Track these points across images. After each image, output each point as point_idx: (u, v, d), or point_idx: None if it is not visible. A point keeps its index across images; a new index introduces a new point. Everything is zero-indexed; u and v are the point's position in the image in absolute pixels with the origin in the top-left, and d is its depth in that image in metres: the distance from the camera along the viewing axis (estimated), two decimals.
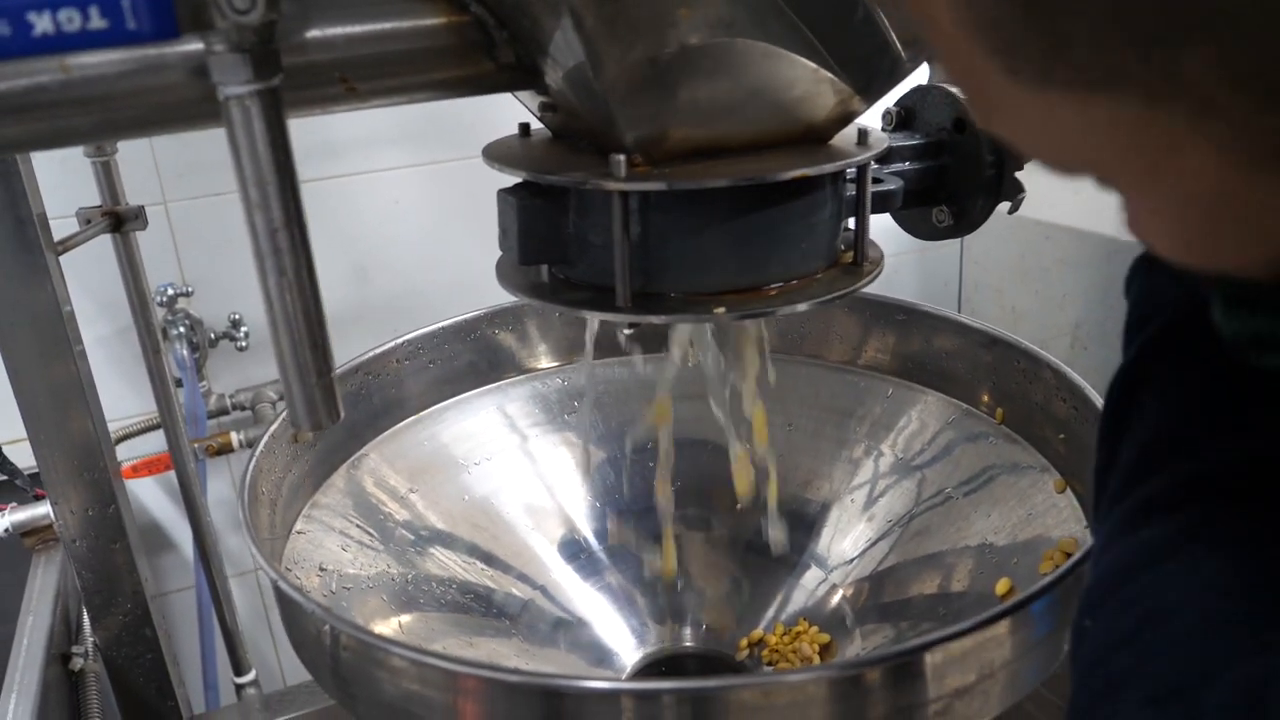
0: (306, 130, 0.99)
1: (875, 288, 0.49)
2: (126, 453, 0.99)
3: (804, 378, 0.70)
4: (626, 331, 0.44)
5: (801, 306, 0.44)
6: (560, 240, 0.46)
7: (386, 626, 0.55)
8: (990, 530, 0.58)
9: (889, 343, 0.68)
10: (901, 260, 1.24)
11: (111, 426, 0.98)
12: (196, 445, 0.94)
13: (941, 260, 1.24)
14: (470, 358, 0.69)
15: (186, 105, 0.38)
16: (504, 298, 0.69)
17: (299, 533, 0.56)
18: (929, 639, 0.37)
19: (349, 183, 1.01)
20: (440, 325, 0.68)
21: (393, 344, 0.65)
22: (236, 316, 0.98)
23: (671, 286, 0.44)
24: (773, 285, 0.45)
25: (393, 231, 1.04)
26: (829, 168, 0.43)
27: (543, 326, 0.71)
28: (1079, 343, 1.03)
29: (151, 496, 1.05)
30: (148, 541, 1.07)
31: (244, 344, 0.97)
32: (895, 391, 0.67)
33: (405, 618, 0.56)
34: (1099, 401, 0.53)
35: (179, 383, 0.95)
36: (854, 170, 0.47)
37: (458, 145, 1.02)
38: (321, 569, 0.55)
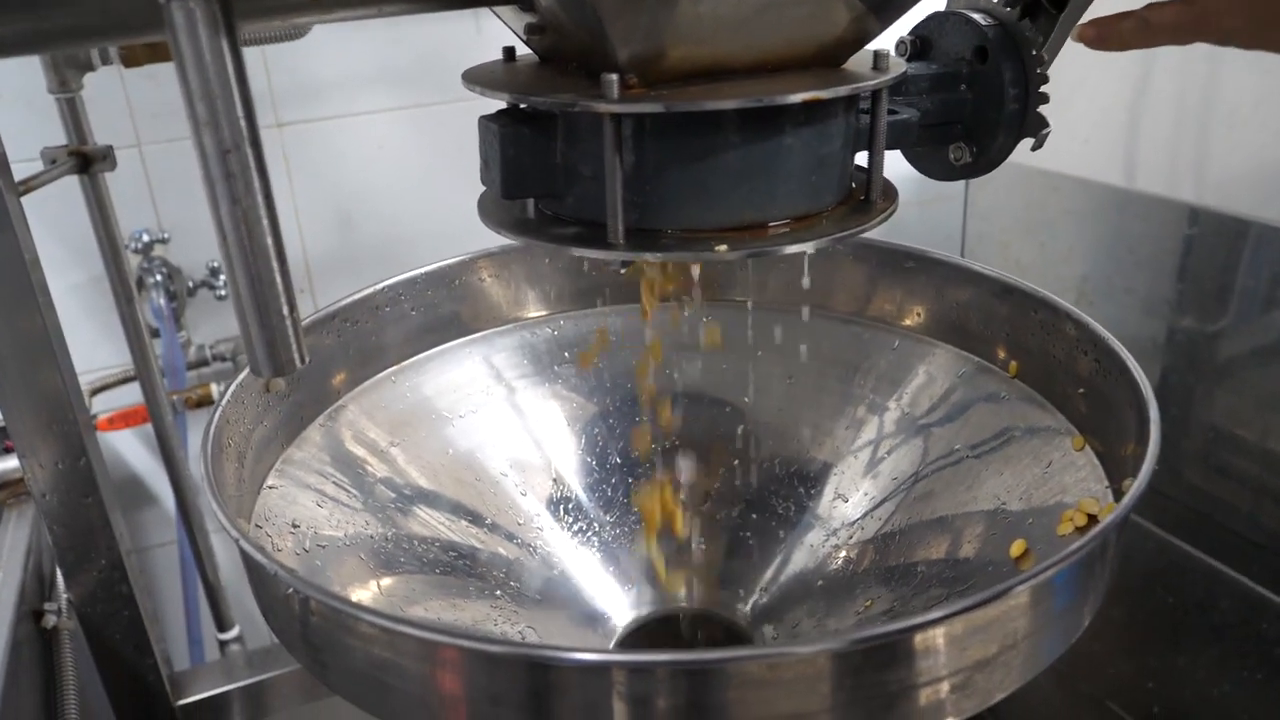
0: (285, 71, 0.94)
1: (879, 234, 0.45)
2: (104, 404, 0.95)
3: (805, 329, 0.66)
4: (621, 271, 0.40)
5: (810, 246, 0.40)
6: (547, 171, 0.41)
7: (365, 589, 0.51)
8: (1003, 490, 0.54)
9: (896, 292, 0.64)
10: (902, 213, 1.19)
11: (87, 378, 0.94)
12: (175, 397, 0.90)
13: (943, 213, 1.19)
14: (454, 305, 0.65)
15: (126, 9, 0.34)
16: (493, 242, 0.65)
17: (270, 488, 0.52)
18: (958, 606, 0.34)
19: (331, 126, 0.96)
20: (422, 270, 0.63)
21: (371, 290, 0.61)
22: (216, 264, 0.93)
23: (668, 222, 0.40)
24: (778, 222, 0.41)
25: (377, 177, 0.99)
26: (843, 90, 0.38)
27: (532, 273, 0.67)
28: (1085, 297, 0.99)
29: (131, 449, 1.01)
30: (129, 495, 1.03)
31: (224, 293, 0.93)
32: (902, 344, 0.63)
33: (385, 580, 0.52)
34: (1124, 354, 0.49)
35: (156, 333, 0.91)
36: (868, 98, 0.42)
37: (444, 88, 0.97)
38: (294, 526, 0.51)
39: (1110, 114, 0.98)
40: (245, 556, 0.39)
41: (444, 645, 0.35)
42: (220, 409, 0.48)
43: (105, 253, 0.79)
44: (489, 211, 0.44)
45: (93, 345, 0.93)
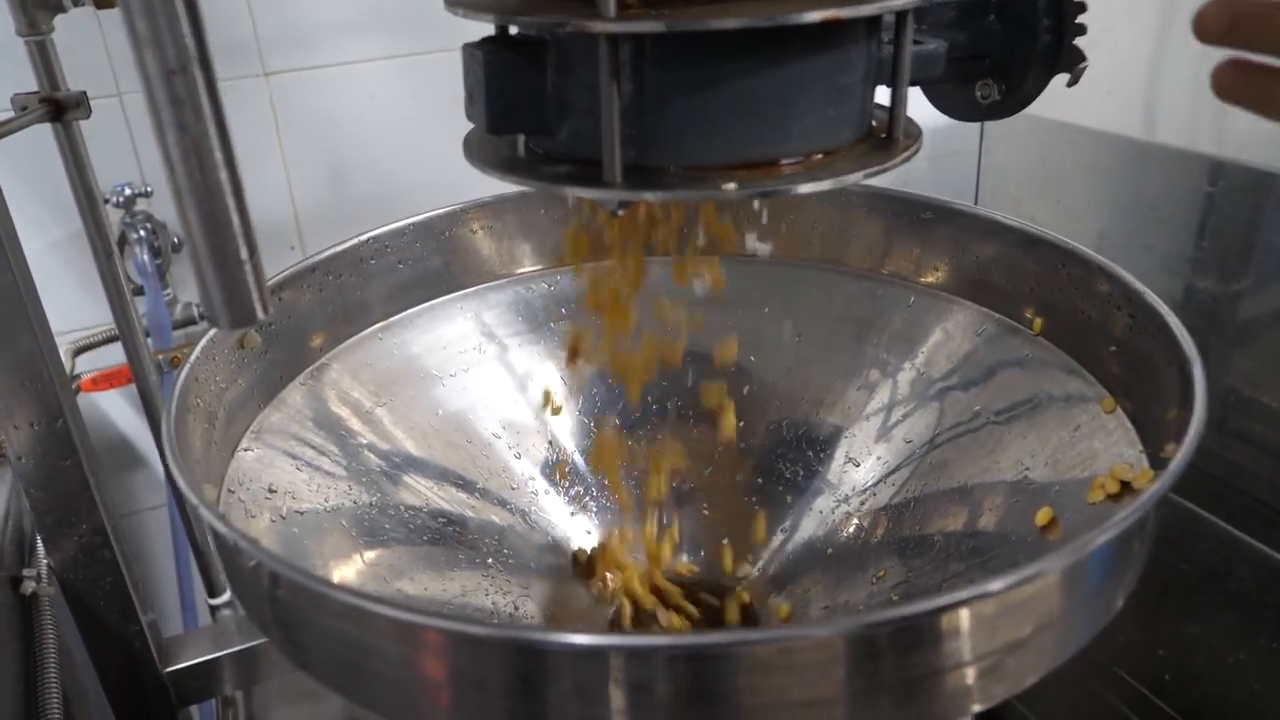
0: (272, 17, 0.89)
1: (893, 182, 0.41)
2: (89, 365, 0.91)
3: (814, 283, 0.62)
4: (618, 212, 0.36)
5: (827, 184, 0.36)
6: (537, 103, 0.37)
7: (346, 559, 0.47)
8: (1026, 455, 0.50)
9: (912, 245, 0.60)
10: (912, 168, 1.15)
11: (70, 337, 0.90)
12: (161, 357, 0.86)
13: (955, 168, 1.14)
14: (444, 259, 0.60)
15: None
16: (489, 191, 0.61)
17: (245, 450, 0.48)
18: (999, 583, 0.30)
19: (320, 76, 0.91)
20: (410, 221, 0.59)
21: (355, 241, 0.57)
22: None
23: (671, 159, 0.36)
24: (791, 160, 0.37)
25: (370, 129, 0.94)
26: (866, 9, 0.34)
27: (526, 224, 0.62)
28: (1102, 254, 0.95)
29: (119, 411, 0.97)
30: (117, 458, 0.99)
31: None
32: (919, 300, 0.59)
33: (369, 549, 0.49)
34: (1163, 310, 0.45)
35: (140, 290, 0.87)
36: (891, 25, 0.38)
37: (438, 35, 0.92)
38: (270, 491, 0.47)
39: (1132, 64, 0.93)
40: (210, 526, 0.35)
41: (424, 627, 0.31)
42: (189, 366, 0.44)
43: (82, 206, 0.74)
44: (475, 150, 0.40)
45: (76, 304, 0.89)
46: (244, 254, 0.32)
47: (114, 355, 0.92)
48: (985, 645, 0.32)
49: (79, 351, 0.87)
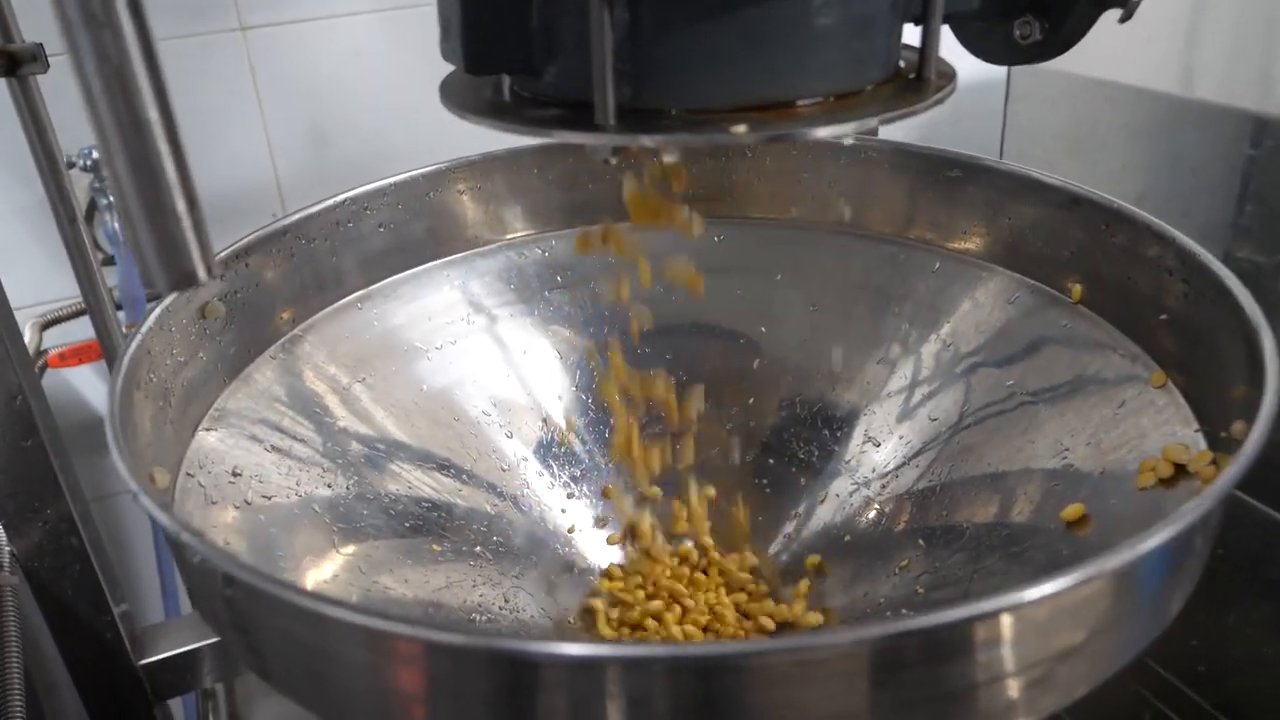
0: None
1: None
2: (59, 338, 0.87)
3: (831, 248, 0.58)
4: (611, 160, 0.32)
5: (849, 127, 0.32)
6: (521, 38, 0.33)
7: (318, 550, 0.44)
8: (1065, 434, 0.47)
9: (938, 206, 0.56)
10: (928, 130, 1.11)
11: (37, 309, 0.87)
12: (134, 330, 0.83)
13: (978, 130, 1.10)
14: (428, 222, 0.57)
15: None
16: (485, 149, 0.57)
17: (207, 430, 0.45)
18: (1055, 585, 0.26)
19: (301, 31, 0.87)
20: (390, 181, 0.55)
21: (331, 202, 0.53)
22: None
23: (671, 99, 0.32)
24: (809, 101, 0.33)
25: (354, 87, 0.90)
26: None
27: (516, 185, 0.59)
28: None
29: (93, 388, 0.94)
30: (92, 437, 0.96)
31: None
32: (945, 266, 0.55)
33: (344, 538, 0.45)
34: (1224, 274, 0.41)
35: (111, 260, 0.83)
36: None
37: None
38: (235, 474, 0.44)
39: (1170, 10, 0.88)
40: (150, 515, 0.32)
41: (392, 636, 0.28)
42: (139, 338, 0.41)
43: (43, 169, 0.71)
44: (453, 95, 0.36)
45: (44, 274, 0.86)
46: (181, 206, 0.29)
47: (86, 329, 0.88)
48: (1036, 653, 0.28)
49: (47, 325, 0.84)
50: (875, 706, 0.27)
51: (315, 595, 0.28)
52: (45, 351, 0.85)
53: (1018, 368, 0.51)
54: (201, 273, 0.29)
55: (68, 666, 0.73)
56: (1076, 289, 0.50)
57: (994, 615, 0.26)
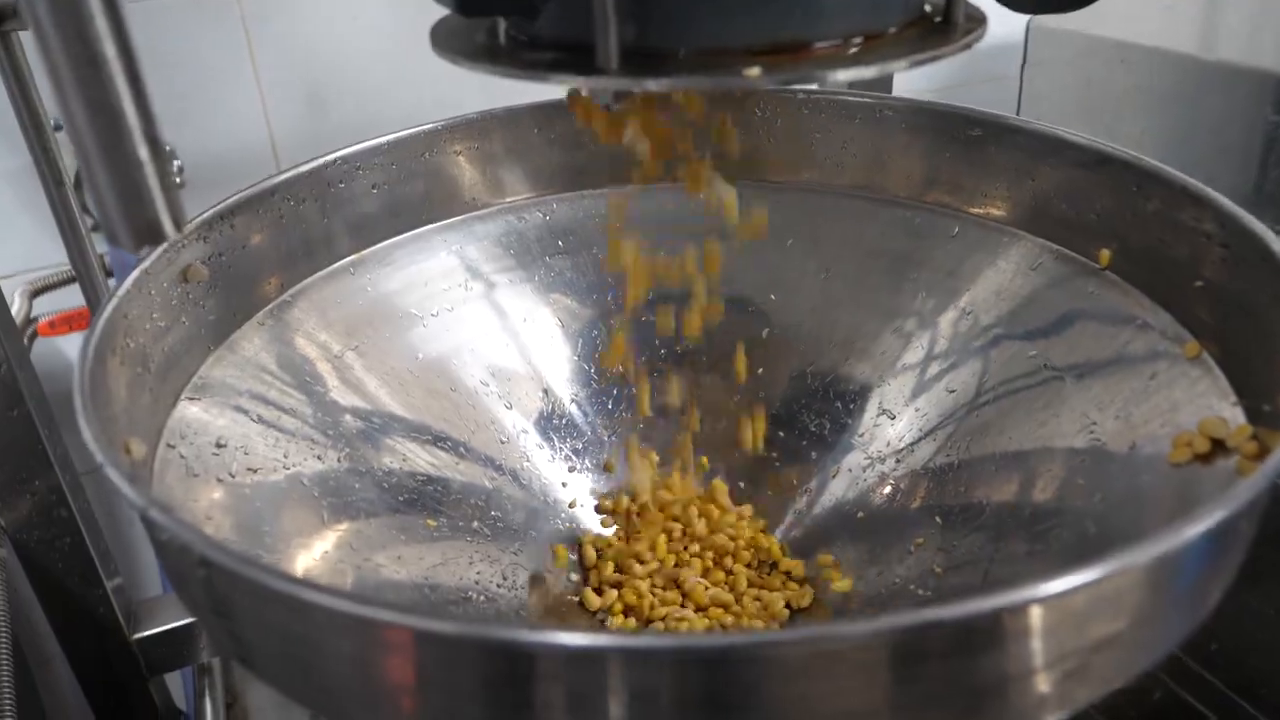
0: None
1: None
2: (51, 306, 0.85)
3: (844, 212, 0.55)
4: (613, 106, 0.29)
5: (871, 70, 0.29)
6: None
7: (309, 527, 0.42)
8: (1092, 407, 0.44)
9: (958, 167, 0.53)
10: (946, 96, 1.08)
11: (27, 276, 0.84)
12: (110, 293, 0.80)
13: (993, 95, 1.06)
14: (424, 184, 0.54)
15: None
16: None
17: (190, 399, 0.42)
18: (1100, 570, 0.24)
19: None
20: (384, 139, 0.53)
21: (321, 161, 0.51)
22: (168, 147, 0.82)
23: (679, 39, 0.29)
24: (828, 43, 0.30)
25: (351, 50, 0.87)
26: None
27: (517, 144, 0.56)
28: None
29: None
30: None
31: (178, 179, 0.82)
32: (965, 231, 0.53)
33: (334, 513, 0.43)
34: (1267, 236, 0.39)
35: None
36: None
37: None
38: (219, 446, 0.42)
39: None
40: (118, 488, 0.30)
41: (379, 624, 0.26)
42: (115, 301, 0.38)
43: (27, 130, 0.68)
44: (444, 40, 0.34)
45: (33, 240, 0.83)
46: (143, 153, 0.26)
47: (77, 297, 0.86)
48: (1071, 644, 0.26)
49: (37, 293, 0.82)
50: (898, 701, 0.25)
51: (292, 578, 0.26)
52: (35, 319, 0.82)
53: (1041, 338, 0.48)
54: (169, 227, 0.27)
55: (60, 641, 0.72)
56: (1104, 254, 0.47)
57: (1031, 604, 0.24)
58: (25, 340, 0.80)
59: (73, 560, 0.68)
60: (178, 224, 0.27)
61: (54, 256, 0.85)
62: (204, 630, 0.32)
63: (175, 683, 0.89)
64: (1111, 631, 0.27)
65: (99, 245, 0.78)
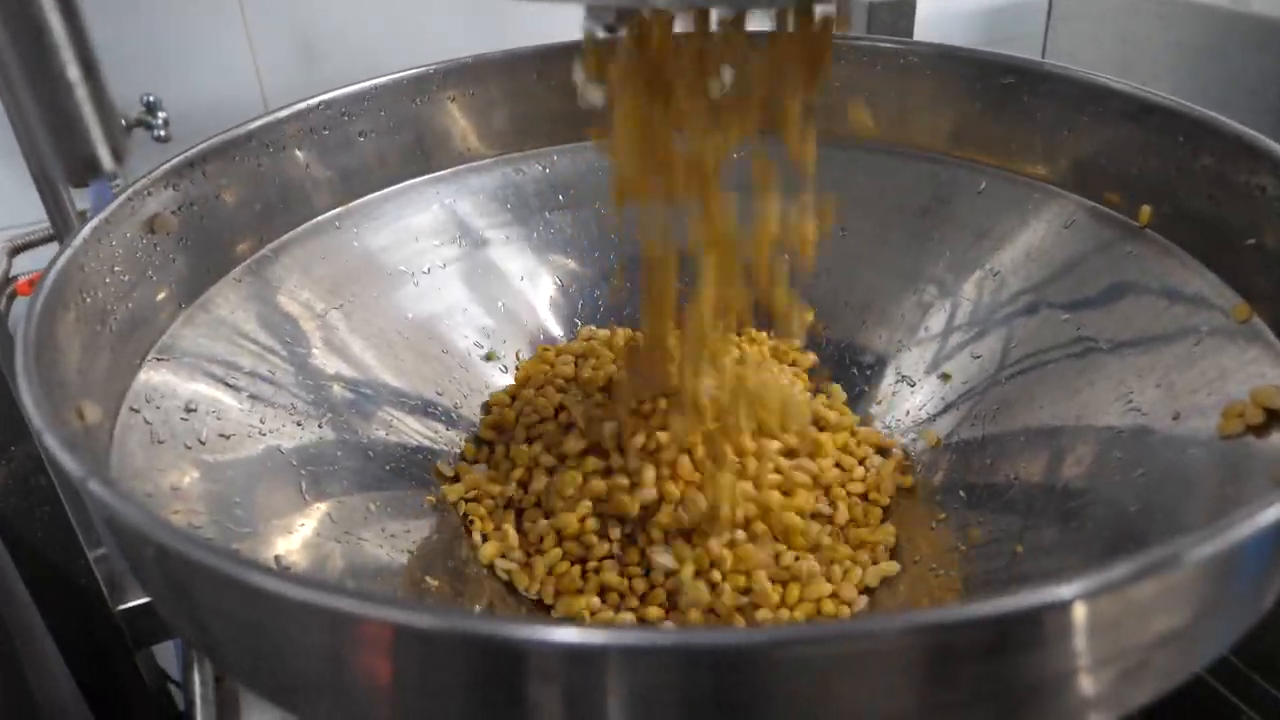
0: None
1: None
2: (31, 264, 0.82)
3: (863, 166, 0.52)
4: (602, 34, 0.26)
5: None
6: None
7: (286, 501, 0.39)
8: (1131, 374, 0.41)
9: (986, 118, 0.49)
10: (975, 39, 1.03)
11: (8, 233, 0.81)
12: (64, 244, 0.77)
13: (1017, 53, 1.02)
14: (415, 132, 0.51)
15: None
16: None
17: (158, 360, 0.39)
18: (1162, 555, 0.21)
19: None
20: (372, 83, 0.49)
21: (303, 106, 0.47)
22: (152, 99, 0.79)
23: None
24: None
25: (345, 1, 0.83)
26: None
27: (515, 91, 0.52)
28: None
29: None
30: None
31: (163, 132, 0.78)
32: (992, 186, 0.49)
33: (316, 489, 0.40)
34: None
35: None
36: None
37: None
38: (189, 410, 0.38)
39: None
40: (55, 457, 0.26)
41: (352, 618, 0.23)
42: (70, 251, 0.35)
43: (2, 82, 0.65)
44: None
45: (13, 197, 0.80)
46: (74, 73, 0.23)
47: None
48: (1136, 635, 0.23)
49: (16, 250, 0.78)
50: (933, 705, 0.22)
51: (247, 561, 0.23)
52: (14, 278, 0.79)
53: (1075, 302, 0.45)
54: (107, 160, 0.24)
55: (41, 613, 0.69)
56: (1145, 212, 0.44)
57: (1098, 594, 0.21)
58: (4, 300, 0.77)
59: (53, 529, 0.65)
60: (118, 157, 0.24)
61: (34, 213, 0.82)
62: (161, 614, 0.29)
63: (170, 653, 0.87)
64: (1177, 624, 0.24)
65: (79, 201, 0.75)
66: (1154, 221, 0.43)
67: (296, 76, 0.85)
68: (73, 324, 0.34)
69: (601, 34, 0.27)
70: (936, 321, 0.49)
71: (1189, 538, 0.22)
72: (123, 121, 0.78)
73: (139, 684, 0.68)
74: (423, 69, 0.50)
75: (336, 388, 0.44)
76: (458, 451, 0.46)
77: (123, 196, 0.38)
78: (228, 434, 0.39)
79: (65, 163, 0.23)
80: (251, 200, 0.45)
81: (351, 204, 0.49)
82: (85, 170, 0.23)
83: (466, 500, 0.44)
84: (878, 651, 0.21)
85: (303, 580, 0.23)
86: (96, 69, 0.23)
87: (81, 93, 0.22)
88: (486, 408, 0.48)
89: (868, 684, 0.22)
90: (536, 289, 0.51)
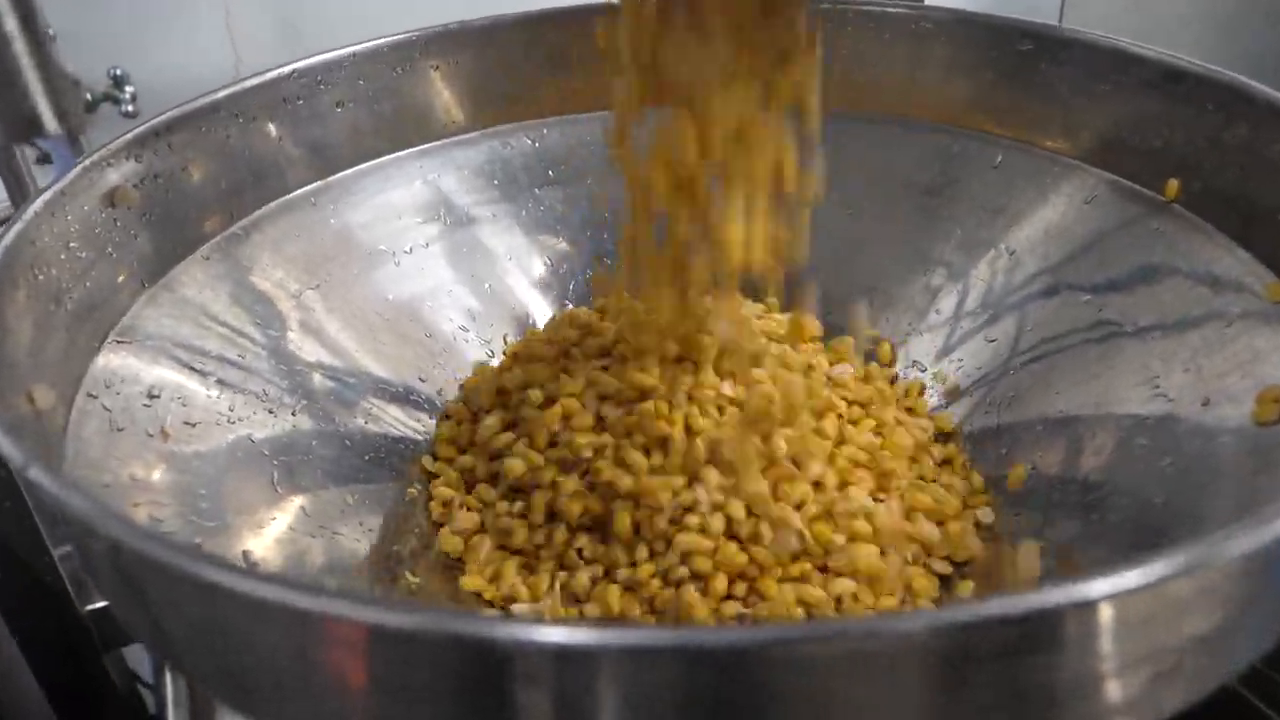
0: None
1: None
2: None
3: (870, 139, 0.51)
4: None
5: None
6: None
7: (257, 492, 0.38)
8: (1155, 358, 0.40)
9: (1002, 87, 0.48)
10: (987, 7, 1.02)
11: None
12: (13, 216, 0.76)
13: (1034, 9, 1.01)
14: (396, 103, 0.49)
15: None
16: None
17: (119, 342, 0.38)
18: (1197, 551, 0.20)
19: None
20: (350, 50, 0.48)
21: (275, 74, 0.46)
22: (119, 72, 0.78)
23: None
24: None
25: None
26: None
27: (503, 61, 0.51)
28: None
29: None
30: None
31: (130, 107, 0.77)
32: (1009, 159, 0.48)
33: (289, 480, 0.39)
34: None
35: (46, 158, 0.76)
36: None
37: None
38: (152, 396, 0.37)
39: None
40: None
41: (316, 616, 0.21)
42: (21, 225, 0.34)
43: None
44: None
45: None
46: (11, 24, 0.22)
47: None
48: (1168, 637, 0.22)
49: None
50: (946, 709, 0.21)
51: (207, 557, 0.22)
52: None
53: (1096, 281, 0.44)
54: (50, 119, 0.23)
55: (4, 613, 0.68)
56: (1171, 186, 0.43)
57: (1135, 592, 0.20)
58: None
59: (15, 525, 0.64)
60: (62, 117, 0.22)
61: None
62: (116, 614, 0.28)
63: (141, 655, 0.85)
64: (1209, 626, 0.23)
65: (42, 180, 0.74)
66: (1181, 196, 0.42)
67: (276, 52, 0.84)
68: (23, 303, 0.33)
69: None
70: (947, 304, 0.48)
71: (1224, 531, 0.21)
72: (88, 95, 0.77)
73: (109, 687, 0.67)
74: (404, 35, 0.49)
75: (312, 374, 0.43)
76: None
77: (79, 167, 0.37)
78: (193, 422, 0.38)
79: (4, 119, 0.22)
80: (220, 174, 0.44)
81: (328, 179, 0.48)
82: (27, 128, 0.22)
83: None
84: (887, 653, 0.20)
85: (266, 577, 0.22)
86: (36, 21, 0.21)
87: (20, 45, 0.21)
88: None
89: (877, 688, 0.21)
90: (526, 268, 0.50)
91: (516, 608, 0.37)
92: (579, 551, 0.38)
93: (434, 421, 0.45)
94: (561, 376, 0.41)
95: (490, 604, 0.38)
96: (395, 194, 0.49)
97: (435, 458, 0.44)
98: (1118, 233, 0.44)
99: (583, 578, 0.37)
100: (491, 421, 0.42)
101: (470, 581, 0.39)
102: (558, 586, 0.37)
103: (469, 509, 0.41)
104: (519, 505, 0.40)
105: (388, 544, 0.39)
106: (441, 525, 0.41)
